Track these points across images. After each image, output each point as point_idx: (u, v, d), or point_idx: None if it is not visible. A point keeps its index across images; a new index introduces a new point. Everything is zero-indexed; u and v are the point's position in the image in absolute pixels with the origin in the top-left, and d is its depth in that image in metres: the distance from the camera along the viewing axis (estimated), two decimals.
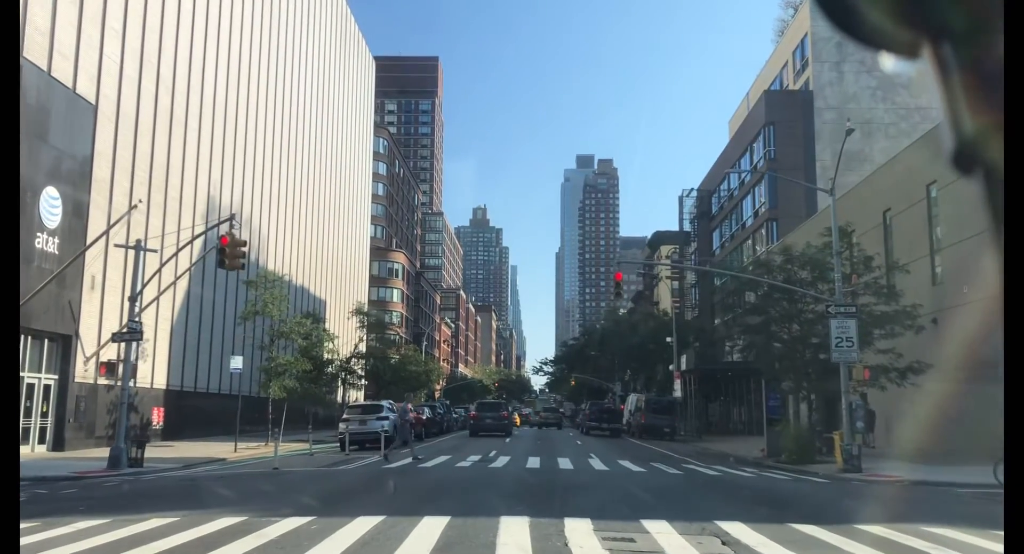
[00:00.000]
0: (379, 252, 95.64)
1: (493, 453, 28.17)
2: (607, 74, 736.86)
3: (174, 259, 31.54)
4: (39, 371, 28.33)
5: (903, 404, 27.04)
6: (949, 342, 25.51)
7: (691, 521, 10.88)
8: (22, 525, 9.01)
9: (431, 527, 10.12)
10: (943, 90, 0.74)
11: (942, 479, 19.19)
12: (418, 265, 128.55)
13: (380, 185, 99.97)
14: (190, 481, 18.44)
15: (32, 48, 26.80)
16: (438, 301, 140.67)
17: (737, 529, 10.20)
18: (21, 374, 26.66)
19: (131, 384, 32.11)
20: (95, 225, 29.71)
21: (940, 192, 28.33)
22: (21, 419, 26.61)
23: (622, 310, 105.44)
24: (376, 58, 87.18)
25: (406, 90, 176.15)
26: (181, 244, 28.47)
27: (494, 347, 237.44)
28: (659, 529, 10.12)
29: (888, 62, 0.79)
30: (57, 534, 9.54)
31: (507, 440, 40.38)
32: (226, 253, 21.34)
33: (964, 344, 24.70)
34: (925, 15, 0.73)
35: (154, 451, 27.31)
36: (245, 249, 23.02)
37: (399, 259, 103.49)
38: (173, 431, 36.46)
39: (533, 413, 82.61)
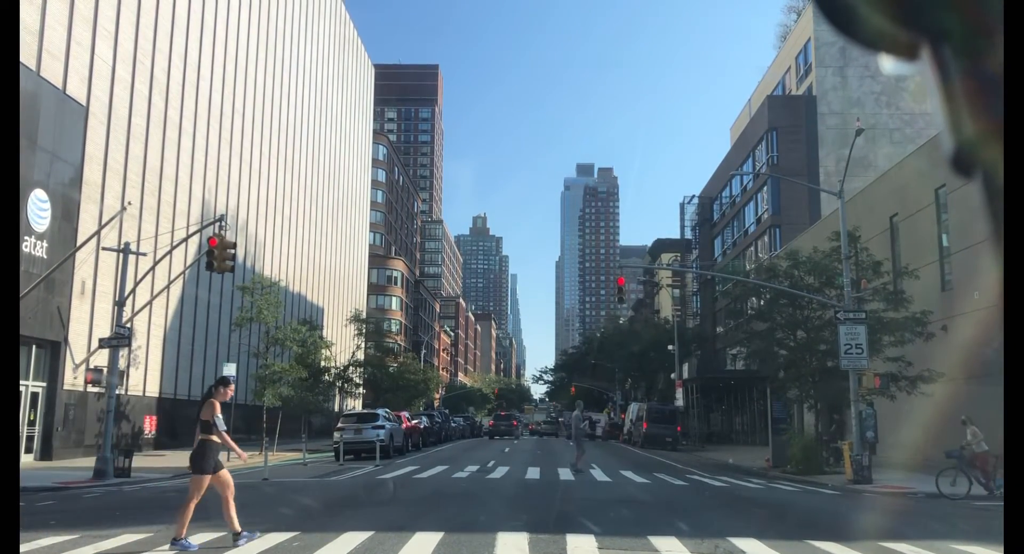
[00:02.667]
0: (378, 259, 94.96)
1: (492, 463, 27.45)
2: (608, 82, 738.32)
3: (167, 266, 30.94)
4: (27, 378, 27.59)
5: (907, 412, 26.35)
6: (959, 349, 24.85)
7: (702, 538, 10.16)
8: None
9: (422, 544, 9.42)
10: (942, 94, 0.75)
11: (958, 491, 18.46)
12: (417, 273, 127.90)
13: (379, 192, 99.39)
14: (175, 492, 17.68)
15: (21, 47, 26.17)
16: (437, 309, 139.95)
17: (752, 547, 9.49)
18: None
19: (122, 392, 31.62)
20: (85, 229, 29.04)
21: (949, 196, 27.68)
22: None
23: (622, 319, 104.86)
24: (376, 66, 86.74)
25: (406, 98, 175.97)
26: (172, 249, 27.76)
27: (494, 356, 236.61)
28: (669, 547, 9.40)
29: (888, 64, 0.79)
30: None
31: (506, 450, 39.73)
32: (215, 254, 20.66)
33: (974, 352, 24.04)
34: (924, 19, 0.74)
35: (145, 460, 26.61)
36: (234, 251, 22.31)
37: (398, 267, 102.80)
38: (166, 440, 35.74)
39: (533, 422, 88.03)
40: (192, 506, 9.15)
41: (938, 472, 19.14)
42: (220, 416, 9.58)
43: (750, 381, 45.49)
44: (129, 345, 25.00)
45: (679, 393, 47.41)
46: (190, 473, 9.53)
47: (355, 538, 9.68)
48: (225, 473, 9.49)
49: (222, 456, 9.88)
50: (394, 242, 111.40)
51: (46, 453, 27.92)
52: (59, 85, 28.54)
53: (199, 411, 9.65)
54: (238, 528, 9.26)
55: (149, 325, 35.30)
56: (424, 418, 44.68)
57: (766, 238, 51.18)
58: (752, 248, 54.37)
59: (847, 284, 23.73)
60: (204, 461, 9.34)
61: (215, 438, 9.48)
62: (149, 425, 35.01)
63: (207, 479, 9.29)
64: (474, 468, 24.65)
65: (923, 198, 29.62)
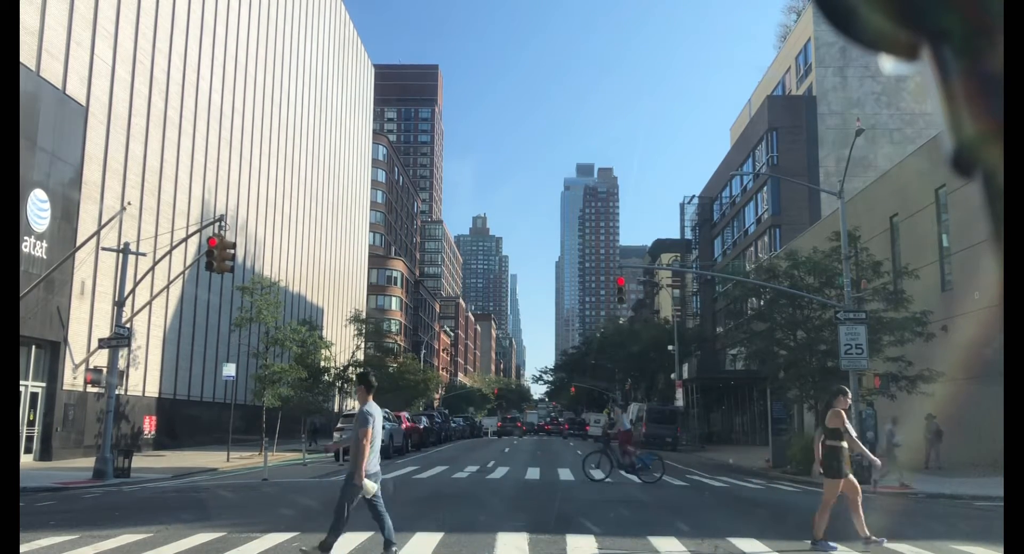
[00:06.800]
0: (378, 260, 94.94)
1: (492, 463, 27.45)
2: (608, 82, 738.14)
3: (167, 266, 30.94)
4: (27, 378, 27.58)
5: (908, 412, 26.34)
6: (959, 349, 24.86)
7: (702, 538, 10.16)
8: None
9: (423, 544, 9.42)
10: (942, 94, 0.75)
11: (957, 491, 18.50)
12: (417, 273, 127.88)
13: (379, 192, 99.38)
14: (174, 492, 17.70)
15: (21, 47, 26.16)
16: (437, 309, 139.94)
17: (752, 547, 9.49)
18: None
19: (122, 392, 31.60)
20: (85, 229, 29.02)
21: (950, 196, 27.69)
22: None
23: (622, 319, 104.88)
24: (376, 66, 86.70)
25: (406, 98, 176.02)
26: (172, 249, 27.75)
27: (493, 356, 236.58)
28: (669, 547, 9.41)
29: (888, 64, 0.80)
30: None
31: (506, 450, 39.79)
32: (215, 255, 20.66)
33: (974, 352, 24.06)
34: (924, 19, 0.74)
35: (144, 461, 26.60)
36: (234, 251, 22.31)
37: (398, 267, 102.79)
38: (166, 440, 35.70)
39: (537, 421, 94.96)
40: (828, 510, 9.60)
41: (584, 456, 21.58)
42: (849, 423, 10.12)
43: (750, 381, 45.50)
44: (129, 345, 24.99)
45: (679, 393, 47.41)
46: (824, 479, 9.95)
47: (355, 538, 9.67)
48: (853, 479, 9.93)
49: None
50: (394, 242, 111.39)
51: (46, 453, 27.90)
52: (59, 85, 28.52)
53: (823, 420, 10.23)
54: (867, 532, 9.62)
55: (149, 325, 35.28)
56: (424, 418, 44.69)
57: (766, 238, 51.19)
58: (752, 248, 54.38)
59: (847, 284, 23.72)
60: (839, 466, 9.79)
61: (844, 444, 9.90)
62: (149, 425, 34.99)
63: (841, 483, 9.75)
64: (474, 468, 24.66)
65: (923, 198, 29.64)
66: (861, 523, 9.66)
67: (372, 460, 8.46)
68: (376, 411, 8.66)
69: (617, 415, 22.72)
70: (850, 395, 10.54)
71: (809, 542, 9.79)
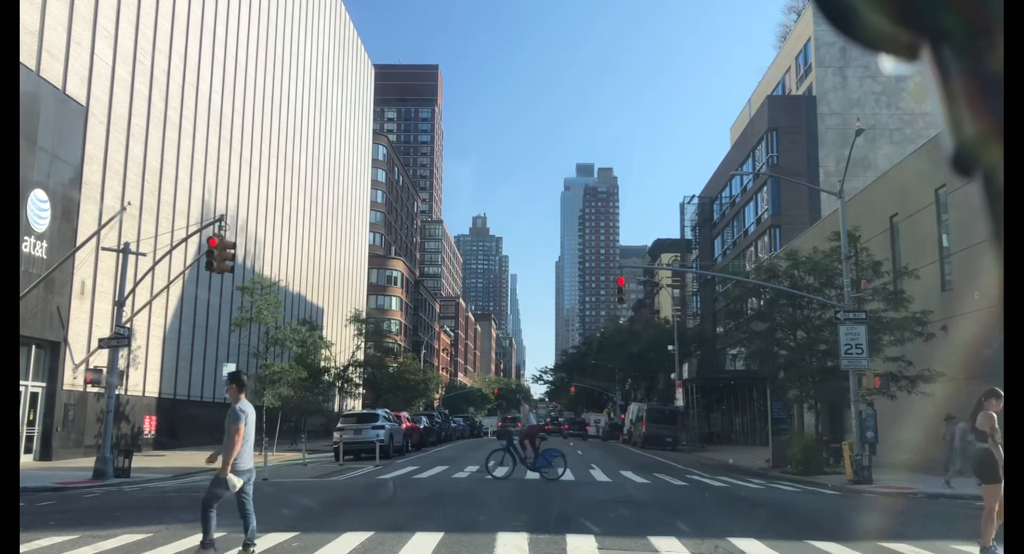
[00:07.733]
0: (378, 260, 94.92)
1: (492, 463, 27.38)
2: (608, 83, 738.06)
3: (167, 266, 30.95)
4: (27, 378, 27.57)
5: (908, 412, 26.34)
6: (959, 349, 24.85)
7: (702, 538, 10.15)
8: None
9: (422, 544, 9.41)
10: (942, 94, 0.75)
11: (957, 491, 18.47)
12: (417, 273, 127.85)
13: (379, 192, 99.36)
14: (175, 492, 17.70)
15: (21, 47, 26.15)
16: (437, 309, 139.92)
17: (752, 547, 9.48)
18: None
19: (122, 392, 31.61)
20: (85, 229, 29.02)
21: (950, 196, 27.68)
22: None
23: (622, 319, 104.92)
24: (376, 66, 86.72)
25: (406, 98, 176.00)
26: (172, 249, 27.74)
27: (493, 356, 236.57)
28: (669, 547, 9.40)
29: (888, 64, 0.80)
30: None
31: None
32: (215, 255, 20.65)
33: (974, 352, 24.04)
34: (924, 19, 0.74)
35: (145, 461, 26.60)
36: (234, 251, 22.31)
37: (398, 267, 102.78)
38: (166, 440, 35.70)
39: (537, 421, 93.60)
40: (993, 516, 9.34)
41: (488, 454, 21.68)
42: (997, 428, 9.74)
43: (750, 381, 45.51)
44: (129, 345, 24.99)
45: (679, 393, 47.41)
46: (983, 486, 9.70)
47: (355, 538, 9.67)
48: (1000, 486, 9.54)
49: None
50: (394, 242, 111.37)
51: (46, 453, 27.90)
52: (59, 85, 28.52)
53: (972, 421, 9.83)
54: (990, 542, 9.36)
55: (149, 325, 35.28)
56: (424, 418, 44.69)
57: (766, 238, 51.18)
58: (752, 248, 54.37)
59: (847, 284, 23.72)
60: (995, 470, 9.47)
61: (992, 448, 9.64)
62: (149, 425, 34.99)
63: (1001, 487, 9.38)
64: (474, 468, 24.64)
65: (923, 198, 29.62)
66: (990, 532, 9.43)
67: (245, 457, 8.59)
68: (249, 409, 8.74)
69: (524, 412, 23.73)
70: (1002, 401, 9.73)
71: (809, 542, 9.79)
